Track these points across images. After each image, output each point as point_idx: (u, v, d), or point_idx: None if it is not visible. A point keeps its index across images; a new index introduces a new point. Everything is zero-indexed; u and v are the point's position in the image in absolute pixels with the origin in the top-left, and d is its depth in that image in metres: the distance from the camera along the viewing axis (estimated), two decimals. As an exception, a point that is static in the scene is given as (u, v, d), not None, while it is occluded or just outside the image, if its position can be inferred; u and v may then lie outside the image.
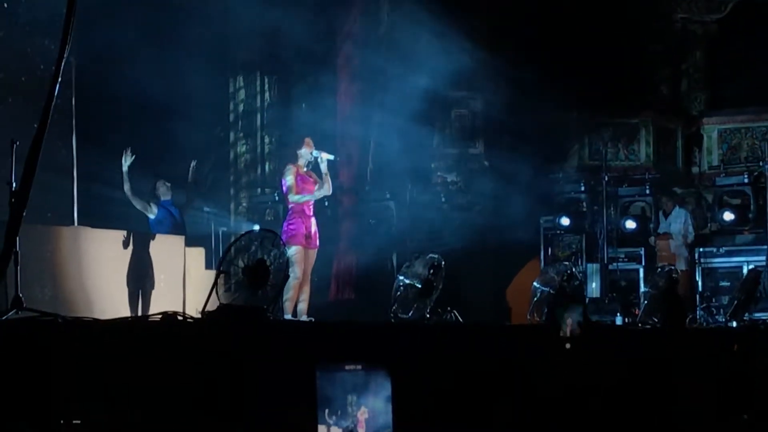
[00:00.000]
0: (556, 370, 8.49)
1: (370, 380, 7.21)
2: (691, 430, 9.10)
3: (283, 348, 7.24)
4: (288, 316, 11.58)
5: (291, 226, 11.93)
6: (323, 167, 12.04)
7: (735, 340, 10.26)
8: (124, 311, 12.05)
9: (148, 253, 12.85)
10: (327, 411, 7.06)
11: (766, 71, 19.57)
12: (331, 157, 12.13)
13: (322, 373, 7.05)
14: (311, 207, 12.12)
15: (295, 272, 11.69)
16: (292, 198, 12.01)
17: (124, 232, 12.79)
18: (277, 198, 18.01)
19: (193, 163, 14.95)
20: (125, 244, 12.60)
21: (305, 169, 12.16)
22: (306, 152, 12.12)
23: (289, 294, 11.70)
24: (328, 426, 7.09)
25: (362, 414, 7.18)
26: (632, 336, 10.67)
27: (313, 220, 12.11)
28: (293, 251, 11.80)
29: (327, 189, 12.15)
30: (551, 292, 12.62)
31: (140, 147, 16.25)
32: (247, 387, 6.89)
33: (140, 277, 12.55)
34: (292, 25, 17.61)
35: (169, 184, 15.14)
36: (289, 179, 12.03)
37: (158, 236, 13.78)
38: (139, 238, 12.97)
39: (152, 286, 12.69)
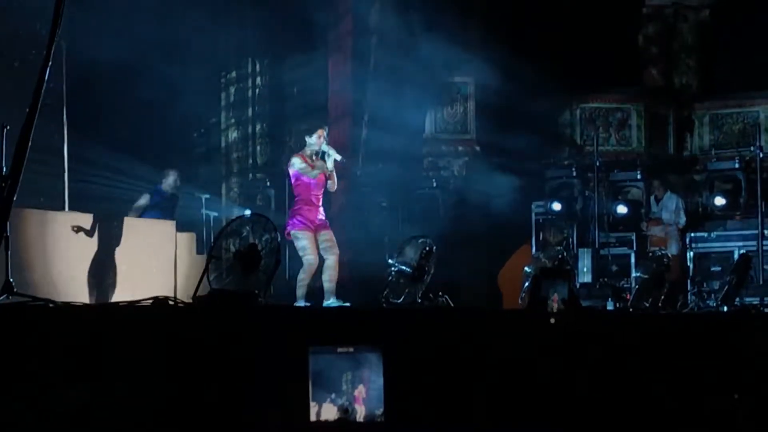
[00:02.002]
0: (544, 353, 8.51)
1: (362, 362, 7.23)
2: (683, 409, 9.14)
3: (275, 332, 7.25)
4: (302, 302, 11.50)
5: (297, 217, 11.77)
6: (329, 164, 11.78)
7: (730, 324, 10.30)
8: (114, 296, 12.05)
9: (140, 239, 12.84)
10: (321, 390, 7.08)
11: (758, 56, 19.59)
12: (339, 157, 11.82)
13: (314, 356, 7.06)
14: (320, 197, 11.83)
15: (308, 259, 11.54)
16: (312, 174, 11.70)
17: (115, 218, 12.78)
18: (268, 183, 18.01)
19: (174, 177, 14.88)
20: (115, 230, 12.59)
21: (311, 158, 11.85)
22: (315, 142, 11.83)
23: (301, 278, 11.63)
24: (320, 404, 7.10)
25: (359, 392, 7.20)
26: (623, 320, 10.68)
27: (321, 210, 11.84)
28: (301, 236, 11.65)
29: (331, 186, 11.88)
30: (536, 272, 12.62)
31: (132, 133, 16.27)
32: (238, 371, 6.90)
33: (130, 263, 12.53)
34: (285, 10, 17.62)
35: (179, 182, 15.08)
36: (296, 164, 11.76)
37: (149, 221, 13.79)
38: (131, 224, 12.97)
39: (143, 271, 12.68)
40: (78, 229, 12.05)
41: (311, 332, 7.36)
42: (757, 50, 19.59)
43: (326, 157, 11.79)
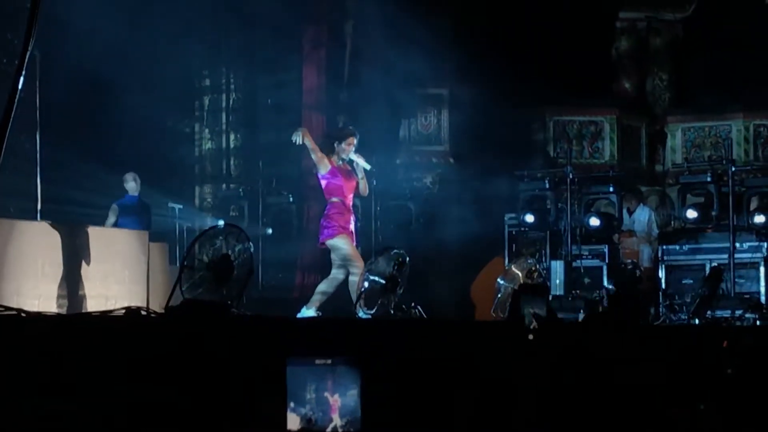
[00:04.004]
0: (518, 366, 8.53)
1: (339, 373, 7.23)
2: (648, 420, 9.17)
3: (249, 342, 7.24)
4: (312, 311, 11.54)
5: (331, 225, 11.76)
6: (359, 172, 11.86)
7: (723, 337, 10.32)
8: (87, 306, 12.01)
9: (112, 248, 12.80)
10: (295, 401, 7.07)
11: (730, 71, 19.72)
12: (368, 166, 11.90)
13: (292, 368, 7.06)
14: (351, 201, 11.90)
15: (354, 268, 11.60)
16: (318, 163, 11.76)
17: (88, 228, 12.74)
18: (242, 194, 17.99)
19: (133, 178, 14.88)
20: (88, 240, 12.54)
21: (339, 163, 11.89)
22: (345, 149, 11.86)
23: (323, 289, 11.74)
24: (298, 413, 7.10)
25: (335, 401, 7.20)
26: (593, 332, 10.71)
27: (353, 219, 11.89)
28: (341, 244, 11.68)
29: (363, 188, 11.95)
30: (515, 288, 12.65)
31: (105, 142, 16.23)
32: (211, 382, 6.89)
33: (102, 273, 12.49)
34: (260, 19, 17.63)
35: (138, 180, 15.10)
36: (319, 166, 11.81)
37: (122, 231, 13.76)
38: (103, 234, 12.93)
39: (116, 281, 12.64)
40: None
41: (287, 343, 7.36)
42: (729, 64, 19.71)
43: (354, 166, 11.84)
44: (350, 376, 7.25)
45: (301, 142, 11.82)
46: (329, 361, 7.22)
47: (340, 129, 12.18)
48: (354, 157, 11.86)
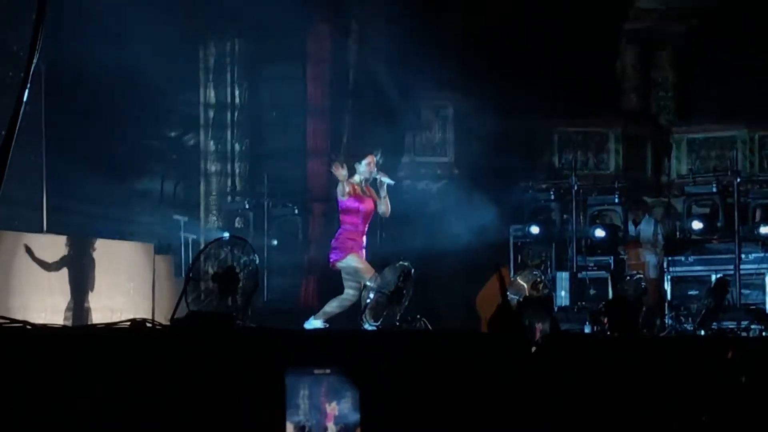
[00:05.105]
0: (522, 378, 8.52)
1: (336, 382, 7.23)
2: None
3: (253, 354, 7.24)
4: (319, 323, 11.54)
5: (338, 247, 11.70)
6: (383, 191, 11.78)
7: (728, 347, 10.31)
8: (92, 318, 12.03)
9: (118, 261, 12.82)
10: (290, 408, 7.07)
11: (735, 81, 19.73)
12: (392, 182, 11.84)
13: (290, 377, 7.06)
14: (365, 231, 11.81)
15: (367, 279, 11.54)
16: (341, 192, 11.68)
17: (94, 240, 12.76)
18: (247, 206, 18.01)
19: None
20: (94, 252, 12.56)
21: (362, 186, 11.81)
22: (366, 170, 11.80)
23: (335, 305, 11.70)
24: (292, 421, 7.10)
25: (332, 409, 7.20)
26: (598, 343, 10.71)
27: (365, 238, 11.81)
28: (350, 259, 11.63)
29: (384, 210, 11.87)
30: (520, 300, 12.66)
31: (111, 155, 16.25)
32: (215, 393, 6.89)
33: (108, 285, 12.51)
34: (264, 34, 17.65)
35: None
36: (339, 189, 11.72)
37: (128, 243, 13.77)
38: (109, 246, 12.95)
39: (121, 294, 12.66)
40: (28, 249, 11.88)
41: (286, 354, 7.35)
42: (734, 75, 19.73)
43: (378, 185, 11.77)
44: (347, 386, 7.25)
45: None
46: (328, 371, 7.22)
47: (358, 149, 12.06)
48: (378, 175, 11.77)
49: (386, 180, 11.81)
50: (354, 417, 7.27)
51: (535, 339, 9.01)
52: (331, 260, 11.81)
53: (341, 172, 11.71)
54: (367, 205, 11.82)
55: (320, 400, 7.16)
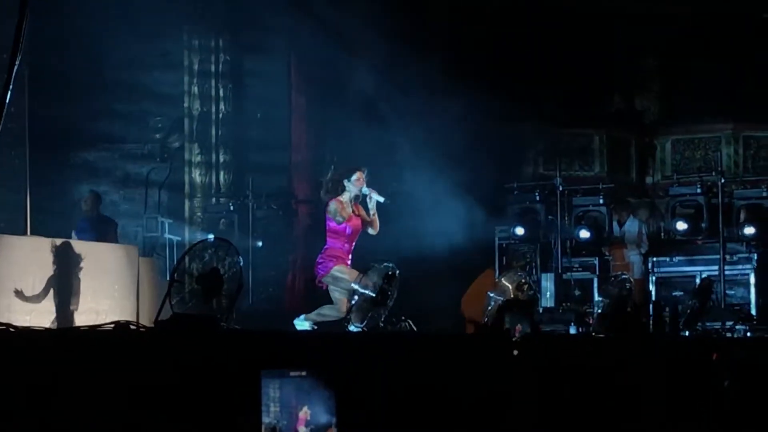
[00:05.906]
0: (504, 379, 8.52)
1: (313, 385, 7.22)
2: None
3: (236, 356, 7.23)
4: (307, 324, 11.47)
5: (323, 263, 11.56)
6: (371, 207, 11.58)
7: (712, 349, 10.34)
8: (76, 321, 11.98)
9: (101, 264, 12.77)
10: (267, 412, 7.06)
11: (719, 82, 19.77)
12: (381, 199, 11.57)
13: (266, 380, 7.04)
14: (350, 251, 11.62)
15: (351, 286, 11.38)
16: (337, 219, 11.43)
17: (78, 242, 12.71)
18: (231, 208, 17.99)
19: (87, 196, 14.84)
20: (78, 255, 12.51)
21: (351, 203, 11.62)
22: (354, 187, 11.60)
23: (327, 313, 11.59)
24: (266, 426, 7.08)
25: (304, 414, 7.18)
26: (583, 344, 10.73)
27: (351, 257, 11.62)
28: (337, 272, 11.48)
29: (373, 230, 11.71)
30: (503, 301, 12.67)
31: (95, 157, 16.22)
32: (198, 395, 6.88)
33: (92, 288, 12.46)
34: (249, 35, 17.64)
35: (94, 201, 14.91)
36: (331, 209, 11.50)
37: (111, 246, 13.72)
38: (92, 249, 12.89)
39: (106, 296, 12.61)
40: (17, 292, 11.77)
41: (264, 356, 7.34)
42: (718, 76, 19.77)
43: (368, 201, 11.58)
44: (321, 388, 7.24)
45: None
46: (303, 373, 7.20)
47: (347, 168, 11.76)
48: (367, 191, 11.56)
49: (376, 197, 11.61)
50: (326, 419, 7.26)
51: (516, 339, 9.00)
52: (318, 276, 11.70)
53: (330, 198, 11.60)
54: (355, 225, 11.65)
55: (292, 403, 7.15)
